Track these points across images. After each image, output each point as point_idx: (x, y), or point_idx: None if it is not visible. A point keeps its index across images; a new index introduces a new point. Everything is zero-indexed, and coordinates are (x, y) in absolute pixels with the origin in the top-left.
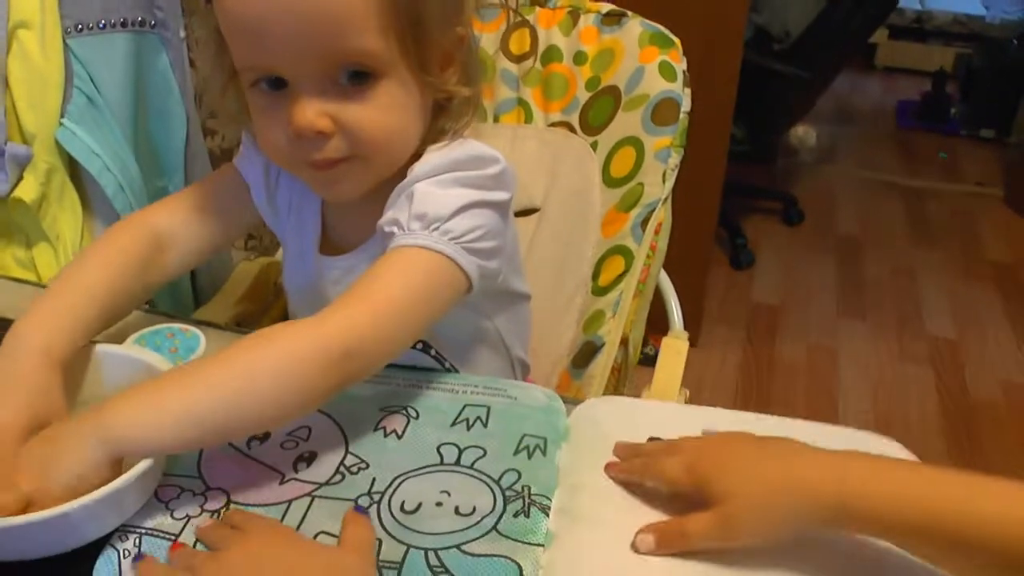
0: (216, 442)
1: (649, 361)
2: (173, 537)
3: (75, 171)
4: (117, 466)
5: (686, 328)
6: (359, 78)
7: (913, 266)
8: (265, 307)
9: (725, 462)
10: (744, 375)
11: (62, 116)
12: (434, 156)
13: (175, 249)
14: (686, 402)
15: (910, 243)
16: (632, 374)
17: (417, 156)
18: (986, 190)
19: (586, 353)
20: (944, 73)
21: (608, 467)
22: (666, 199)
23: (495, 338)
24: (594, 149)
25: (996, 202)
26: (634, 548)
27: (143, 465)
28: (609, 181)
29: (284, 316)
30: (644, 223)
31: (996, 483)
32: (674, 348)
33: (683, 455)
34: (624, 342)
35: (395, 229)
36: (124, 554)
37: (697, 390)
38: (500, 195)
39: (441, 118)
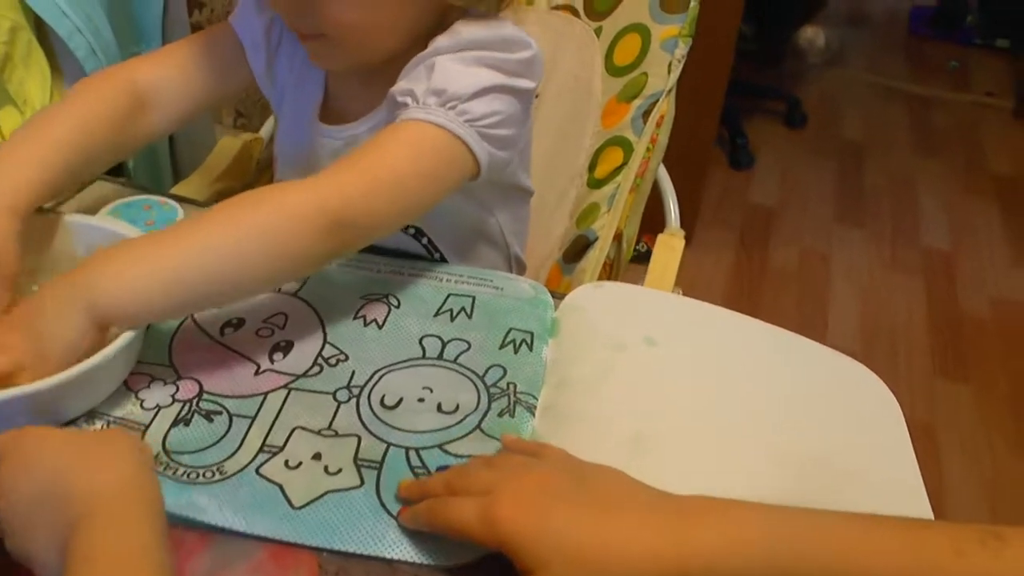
0: (206, 306)
1: (641, 259)
2: (142, 427)
3: (43, 32)
4: (103, 335)
5: (681, 226)
6: None
7: (913, 175)
8: (246, 185)
9: (532, 519)
10: (735, 277)
11: None
12: (462, 30)
13: (158, 108)
14: None
15: (913, 152)
16: (624, 270)
17: (443, 28)
18: (995, 101)
19: (578, 247)
20: None
21: (400, 513)
22: (670, 91)
23: (495, 233)
24: (597, 35)
25: (1004, 114)
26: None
27: (128, 335)
28: (612, 70)
29: None
30: (646, 115)
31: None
32: (669, 245)
33: (476, 500)
34: (618, 237)
35: (408, 100)
36: None
37: (688, 290)
38: (525, 83)
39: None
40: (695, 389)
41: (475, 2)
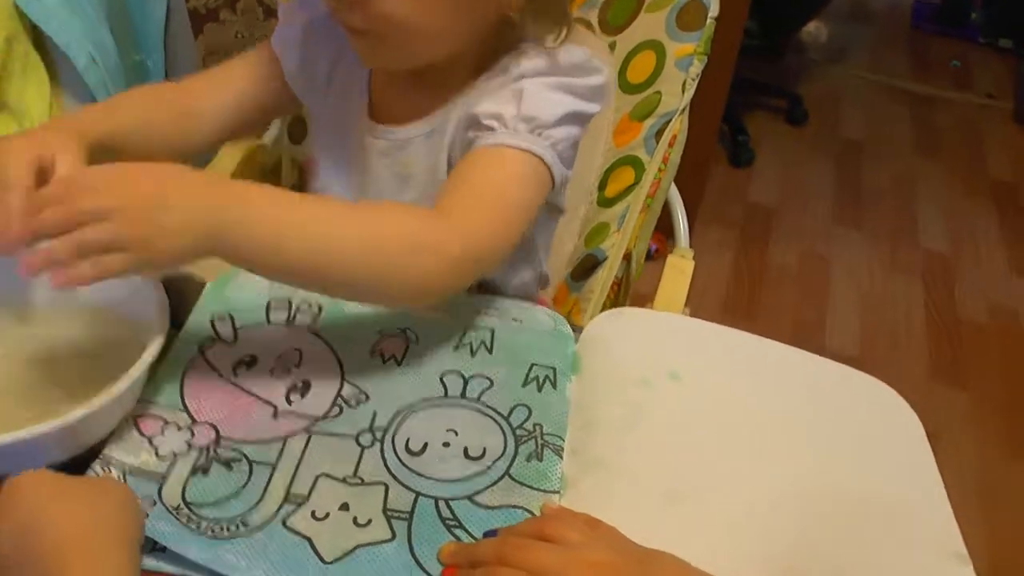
0: (311, 289)
1: (647, 257)
2: (161, 479)
3: (41, 42)
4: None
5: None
6: None
7: (913, 176)
8: None
9: None
10: (735, 277)
11: None
12: (541, 54)
13: (203, 116)
14: None
15: (913, 152)
16: (632, 289)
17: (509, 49)
18: (996, 103)
19: (586, 266)
20: None
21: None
22: (684, 110)
23: (531, 249)
24: (612, 50)
25: (1005, 116)
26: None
27: (149, 357)
28: (625, 87)
29: None
30: (659, 134)
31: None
32: (679, 268)
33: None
34: (627, 257)
35: (495, 124)
36: None
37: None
38: (593, 107)
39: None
40: (721, 429)
41: (545, 28)
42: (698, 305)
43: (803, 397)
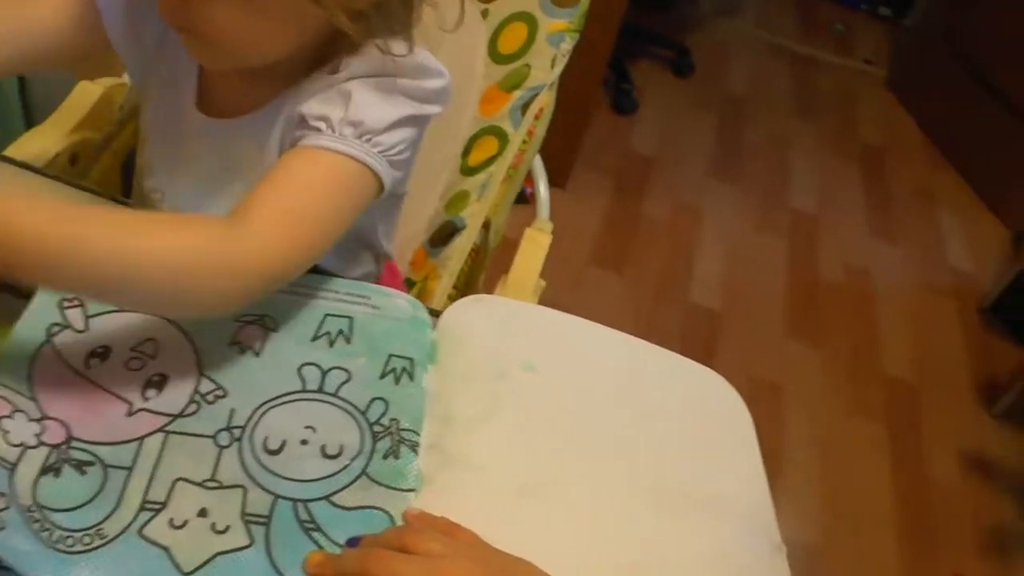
0: (105, 303)
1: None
2: (10, 466)
3: None
4: None
5: (558, 169)
6: None
7: (789, 136)
8: (107, 138)
9: None
10: (607, 224)
11: None
12: (375, 54)
13: None
14: (542, 294)
15: (791, 112)
16: (490, 259)
17: (349, 49)
18: (873, 69)
19: (444, 233)
20: None
21: None
22: (552, 85)
23: (371, 236)
24: (484, 18)
25: (879, 83)
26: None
27: None
28: (495, 56)
29: (130, 151)
30: (525, 107)
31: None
32: (535, 241)
33: None
34: (486, 226)
35: (322, 126)
36: None
37: (559, 235)
38: (432, 110)
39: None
40: (572, 422)
41: (384, 28)
42: (568, 251)
43: (647, 390)
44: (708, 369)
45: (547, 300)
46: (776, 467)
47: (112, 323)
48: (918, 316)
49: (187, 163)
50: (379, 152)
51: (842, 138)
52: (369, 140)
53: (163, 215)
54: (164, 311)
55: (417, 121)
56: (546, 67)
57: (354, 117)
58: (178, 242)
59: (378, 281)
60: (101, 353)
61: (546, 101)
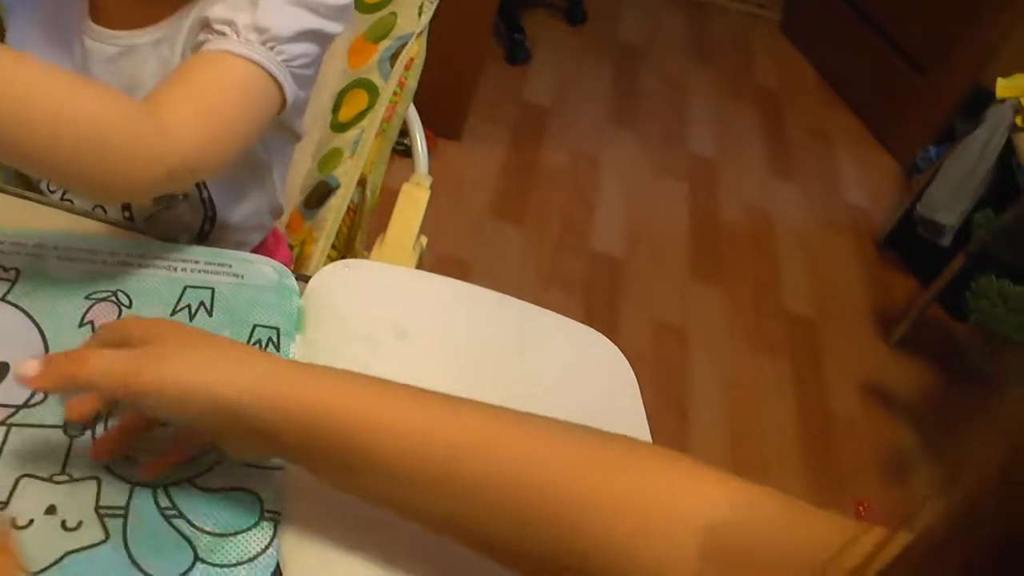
0: (8, 162)
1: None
2: None
3: None
4: None
5: (452, 121)
6: None
7: (686, 81)
8: None
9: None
10: (505, 174)
11: None
12: None
13: None
14: (423, 253)
15: (687, 58)
16: (368, 218)
17: None
18: (766, 13)
19: (320, 193)
20: None
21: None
22: (421, 33)
23: (266, 174)
24: None
25: (773, 27)
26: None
27: None
28: (360, 5)
29: None
30: (394, 58)
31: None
32: (412, 196)
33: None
34: (362, 183)
35: (227, 30)
36: None
37: (457, 188)
38: (335, 27)
39: None
40: (448, 391)
41: None
42: (467, 203)
43: (527, 352)
44: (589, 328)
45: (446, 253)
46: (684, 410)
47: None
48: (817, 253)
49: None
50: (283, 61)
51: (738, 81)
52: (273, 48)
53: (82, 80)
54: (76, 187)
55: (320, 37)
56: (413, 16)
57: (261, 23)
58: (105, 113)
59: (265, 244)
60: None
61: (415, 51)
